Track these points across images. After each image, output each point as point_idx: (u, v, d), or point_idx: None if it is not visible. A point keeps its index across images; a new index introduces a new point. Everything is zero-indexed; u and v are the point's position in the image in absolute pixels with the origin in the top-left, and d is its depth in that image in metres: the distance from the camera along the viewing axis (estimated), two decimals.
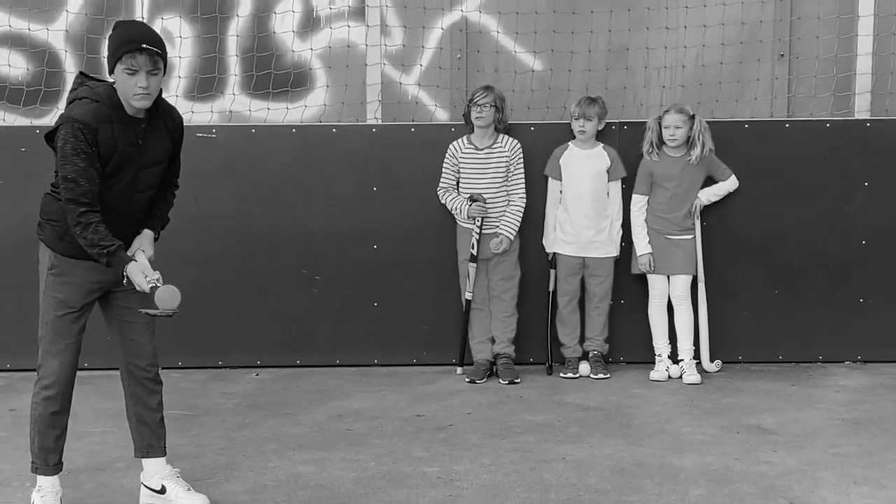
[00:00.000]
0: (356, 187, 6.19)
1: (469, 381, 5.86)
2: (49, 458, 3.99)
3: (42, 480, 3.97)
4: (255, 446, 4.84)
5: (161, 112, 3.92)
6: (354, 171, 6.19)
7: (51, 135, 3.82)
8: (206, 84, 6.71)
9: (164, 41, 3.92)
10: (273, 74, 6.73)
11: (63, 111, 3.83)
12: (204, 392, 5.77)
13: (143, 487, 4.16)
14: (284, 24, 6.71)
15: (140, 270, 3.76)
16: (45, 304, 3.93)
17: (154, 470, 4.12)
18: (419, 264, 6.22)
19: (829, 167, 6.20)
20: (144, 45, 3.65)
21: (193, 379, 5.97)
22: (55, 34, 6.80)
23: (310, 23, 6.78)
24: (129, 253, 3.94)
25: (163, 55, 3.74)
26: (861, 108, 6.50)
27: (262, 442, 4.91)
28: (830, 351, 6.25)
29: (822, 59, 6.65)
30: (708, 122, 5.90)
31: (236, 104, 6.77)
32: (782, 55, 6.76)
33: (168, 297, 3.79)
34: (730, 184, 5.96)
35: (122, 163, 3.79)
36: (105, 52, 3.82)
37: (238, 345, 6.27)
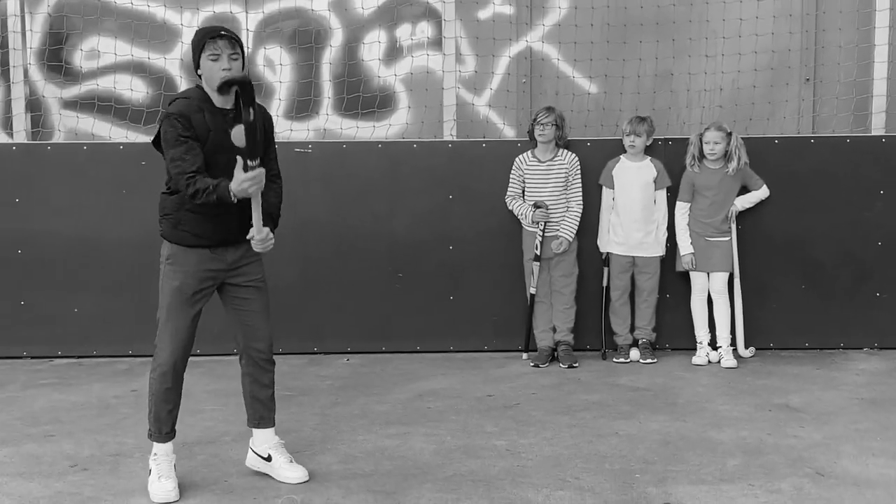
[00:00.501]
0: (434, 196, 6.50)
1: (533, 366, 6.14)
2: (162, 428, 4.19)
3: (157, 447, 4.18)
4: (346, 422, 5.12)
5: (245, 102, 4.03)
6: (433, 181, 6.49)
7: (156, 141, 4.07)
8: (303, 105, 7.03)
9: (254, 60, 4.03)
10: (361, 97, 7.02)
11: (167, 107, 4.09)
12: (301, 375, 6.05)
13: (250, 451, 4.39)
14: (371, 52, 7.08)
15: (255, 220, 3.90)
16: (162, 291, 4.10)
17: (263, 439, 4.35)
18: (490, 263, 6.50)
19: (849, 178, 6.47)
20: (223, 31, 3.89)
21: (292, 364, 6.22)
22: (171, 62, 7.10)
23: (394, 52, 7.13)
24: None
25: (240, 42, 3.94)
26: (877, 126, 6.75)
27: (353, 418, 5.19)
28: (851, 339, 6.51)
29: (843, 82, 6.96)
30: (743, 139, 6.19)
31: (329, 123, 7.05)
32: (808, 80, 7.06)
33: (237, 135, 3.85)
34: (762, 192, 6.24)
35: (216, 146, 3.96)
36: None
37: (331, 333, 6.57)
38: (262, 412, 4.34)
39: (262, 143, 4.11)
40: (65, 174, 6.45)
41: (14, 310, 6.45)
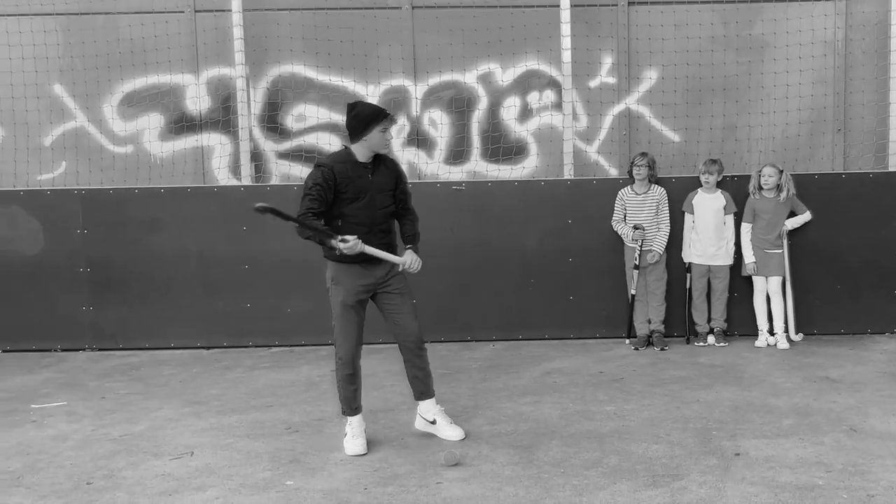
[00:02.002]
0: (557, 220, 7.12)
1: (634, 349, 6.76)
2: (350, 404, 4.57)
3: (350, 419, 4.59)
4: (491, 394, 5.55)
5: (382, 158, 4.50)
6: (556, 209, 7.10)
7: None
8: (458, 154, 7.66)
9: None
10: (502, 147, 7.62)
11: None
12: (457, 358, 6.63)
13: (418, 417, 4.76)
14: (509, 113, 7.64)
15: (332, 236, 4.19)
16: (332, 304, 4.50)
17: (426, 408, 4.71)
18: (600, 271, 7.12)
19: (872, 204, 7.03)
20: (391, 116, 4.41)
21: (450, 349, 6.89)
22: None
23: (526, 112, 7.64)
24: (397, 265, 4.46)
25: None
26: (893, 164, 7.26)
27: (497, 391, 5.62)
28: (875, 326, 7.11)
29: (866, 131, 7.55)
30: (791, 174, 6.75)
31: (478, 167, 7.67)
32: (839, 130, 7.57)
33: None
34: (806, 216, 6.81)
35: (359, 189, 4.34)
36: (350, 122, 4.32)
37: (479, 325, 7.22)
38: (421, 388, 4.69)
39: (397, 195, 4.55)
40: (280, 208, 6.86)
41: (241, 310, 7.23)
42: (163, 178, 7.79)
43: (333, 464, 4.37)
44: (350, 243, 4.17)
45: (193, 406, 5.55)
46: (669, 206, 6.96)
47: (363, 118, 4.32)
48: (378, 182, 4.44)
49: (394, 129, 6.07)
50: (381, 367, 6.32)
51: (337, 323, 4.45)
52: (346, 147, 4.41)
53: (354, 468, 4.30)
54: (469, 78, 7.72)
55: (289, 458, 4.48)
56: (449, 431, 4.68)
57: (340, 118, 7.61)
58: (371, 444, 4.60)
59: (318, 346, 7.14)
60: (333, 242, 4.21)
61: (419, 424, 4.78)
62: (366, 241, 4.29)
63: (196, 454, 4.61)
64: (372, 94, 7.66)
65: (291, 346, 7.24)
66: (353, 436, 4.56)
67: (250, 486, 4.14)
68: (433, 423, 4.73)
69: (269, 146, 7.81)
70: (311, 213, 4.21)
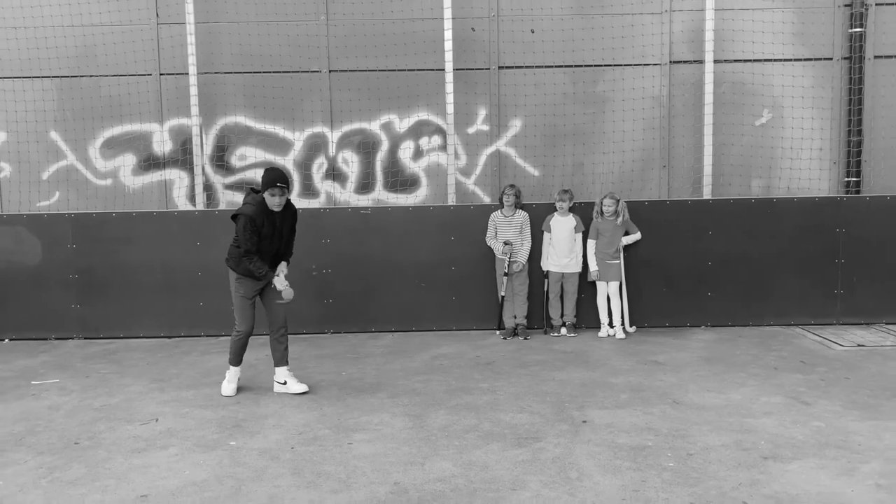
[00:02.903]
0: (442, 237, 8.06)
1: (503, 338, 7.71)
2: (235, 359, 5.58)
3: (231, 369, 5.56)
4: (391, 373, 6.20)
5: (287, 207, 5.50)
6: (442, 228, 8.06)
7: (234, 217, 5.33)
8: (365, 185, 8.51)
9: (291, 177, 5.27)
10: (399, 180, 8.50)
11: (242, 207, 5.24)
12: (364, 345, 7.42)
13: (275, 382, 5.66)
14: (405, 153, 8.52)
15: (278, 280, 5.25)
16: (234, 296, 5.50)
17: (281, 373, 5.66)
18: (476, 276, 8.06)
19: (689, 223, 7.88)
20: (279, 185, 5.22)
21: (358, 338, 7.69)
22: (287, 161, 8.45)
23: (417, 153, 8.52)
24: (275, 272, 5.43)
25: (289, 187, 5.21)
26: (706, 194, 8.04)
27: (395, 371, 6.27)
28: (693, 320, 8.05)
29: (685, 167, 8.35)
30: (626, 202, 7.67)
31: (381, 195, 8.54)
32: (664, 166, 8.48)
33: (287, 295, 5.29)
34: (637, 235, 7.84)
35: (271, 231, 5.36)
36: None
37: (382, 319, 8.07)
38: (279, 357, 5.62)
39: (289, 233, 5.49)
40: (225, 228, 7.44)
41: (195, 306, 8.07)
42: (135, 205, 8.70)
43: (268, 428, 4.86)
44: (276, 281, 5.39)
45: (158, 382, 6.09)
46: (531, 226, 7.96)
47: (265, 182, 5.37)
48: (283, 223, 5.53)
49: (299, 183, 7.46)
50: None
51: (236, 309, 5.56)
52: (263, 197, 5.41)
53: (284, 431, 4.79)
54: (374, 126, 8.59)
55: (232, 424, 4.95)
56: (296, 387, 5.62)
57: (273, 157, 8.73)
58: (297, 411, 5.25)
59: (258, 335, 7.31)
60: (274, 281, 5.42)
61: (276, 388, 5.68)
62: (270, 264, 5.40)
63: (160, 420, 5.10)
64: (298, 138, 8.60)
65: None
66: (228, 381, 5.59)
67: (203, 446, 4.61)
68: (284, 384, 5.66)
69: (217, 179, 8.64)
70: (253, 255, 5.28)
